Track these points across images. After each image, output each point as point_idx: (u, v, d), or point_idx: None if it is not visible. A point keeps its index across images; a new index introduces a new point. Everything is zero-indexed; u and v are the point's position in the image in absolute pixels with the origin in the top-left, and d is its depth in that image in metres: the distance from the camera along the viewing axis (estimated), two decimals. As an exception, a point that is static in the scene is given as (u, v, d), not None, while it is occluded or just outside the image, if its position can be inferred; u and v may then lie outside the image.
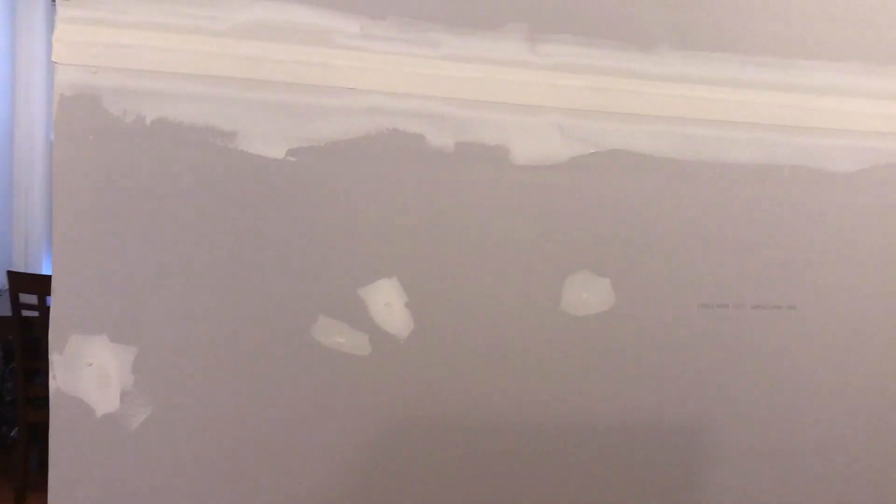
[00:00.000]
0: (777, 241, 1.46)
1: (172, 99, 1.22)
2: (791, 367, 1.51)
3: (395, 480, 1.39)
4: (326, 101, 1.27)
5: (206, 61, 1.22)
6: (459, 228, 1.34)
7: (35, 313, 2.68)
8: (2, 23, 3.30)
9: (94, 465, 1.27)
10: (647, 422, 1.47)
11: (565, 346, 1.41)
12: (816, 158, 1.45)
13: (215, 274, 1.27)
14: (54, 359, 1.24)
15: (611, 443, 1.46)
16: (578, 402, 1.43)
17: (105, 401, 1.26)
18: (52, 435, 1.26)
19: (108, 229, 1.23)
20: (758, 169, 1.43)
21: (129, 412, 1.27)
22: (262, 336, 1.30)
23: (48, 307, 2.59)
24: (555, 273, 1.39)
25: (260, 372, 1.31)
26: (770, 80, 1.41)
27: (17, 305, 2.65)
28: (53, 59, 1.18)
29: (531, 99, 1.33)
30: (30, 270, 3.50)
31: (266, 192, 1.27)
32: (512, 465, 1.43)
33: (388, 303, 1.33)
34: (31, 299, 2.67)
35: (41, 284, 2.62)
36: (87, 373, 1.25)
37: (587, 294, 1.40)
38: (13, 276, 2.65)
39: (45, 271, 3.52)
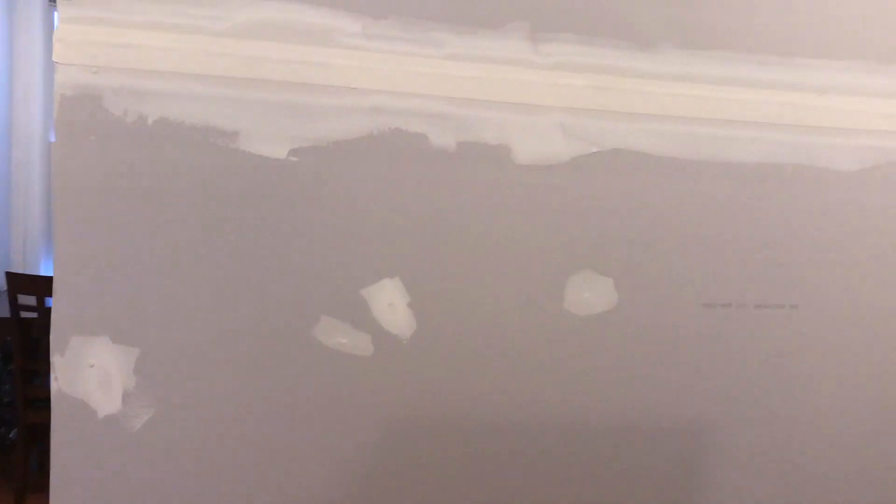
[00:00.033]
0: (779, 240, 1.46)
1: (174, 99, 1.22)
2: (794, 366, 1.51)
3: (398, 481, 1.39)
4: (328, 101, 1.27)
5: (207, 61, 1.22)
6: (462, 228, 1.34)
7: (34, 314, 2.68)
8: (-1, 23, 3.30)
9: (95, 466, 1.27)
10: (650, 421, 1.46)
11: (568, 345, 1.41)
12: (819, 157, 1.45)
13: (217, 274, 1.26)
14: (56, 360, 1.23)
15: (614, 443, 1.46)
16: (581, 403, 1.43)
17: (107, 402, 1.26)
18: (53, 437, 1.25)
19: (109, 230, 1.22)
20: (760, 168, 1.43)
21: (131, 413, 1.27)
22: (264, 337, 1.29)
23: (47, 308, 2.60)
24: (557, 273, 1.39)
25: (262, 373, 1.30)
26: (772, 79, 1.41)
27: (15, 306, 2.64)
28: (55, 58, 1.17)
29: (533, 98, 1.33)
30: (28, 271, 3.49)
31: (268, 192, 1.26)
32: (515, 465, 1.43)
33: (390, 303, 1.33)
34: (30, 300, 2.66)
35: (40, 285, 2.61)
36: (88, 374, 1.25)
37: (590, 294, 1.40)
38: (12, 277, 2.65)
39: (44, 272, 3.52)
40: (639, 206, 1.40)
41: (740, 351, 1.48)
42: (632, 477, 1.48)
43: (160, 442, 1.28)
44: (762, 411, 1.51)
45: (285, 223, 1.28)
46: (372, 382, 1.35)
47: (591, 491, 1.47)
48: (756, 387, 1.50)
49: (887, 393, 1.56)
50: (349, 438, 1.36)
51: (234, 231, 1.26)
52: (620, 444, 1.46)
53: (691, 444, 1.49)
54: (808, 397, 1.52)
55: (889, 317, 1.53)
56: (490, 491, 1.43)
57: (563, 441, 1.44)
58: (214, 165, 1.24)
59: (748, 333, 1.47)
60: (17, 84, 3.39)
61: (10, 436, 3.00)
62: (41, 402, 2.68)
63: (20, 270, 3.46)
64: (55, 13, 3.37)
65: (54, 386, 1.24)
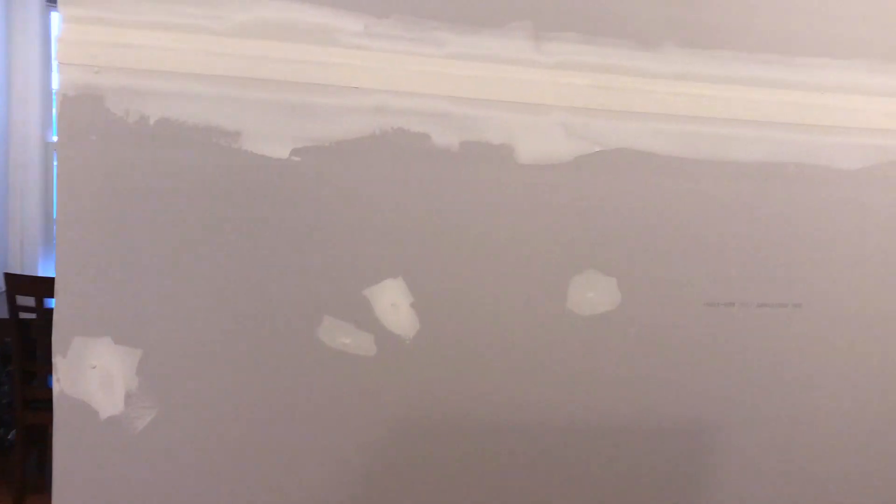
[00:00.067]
0: (782, 239, 1.46)
1: (176, 99, 1.21)
2: (797, 364, 1.51)
3: (402, 481, 1.39)
4: (330, 101, 1.26)
5: (209, 61, 1.22)
6: (465, 228, 1.34)
7: (32, 315, 2.67)
8: (-4, 23, 3.29)
9: (98, 468, 1.26)
10: (653, 421, 1.46)
11: (571, 345, 1.40)
12: (821, 156, 1.45)
13: (220, 275, 1.26)
14: (58, 361, 1.23)
15: (618, 442, 1.46)
16: (585, 402, 1.43)
17: (109, 403, 1.25)
18: (55, 438, 1.25)
19: (111, 230, 1.22)
20: (762, 166, 1.43)
21: (133, 415, 1.26)
22: (267, 337, 1.29)
23: (46, 309, 2.59)
24: (560, 272, 1.38)
25: (265, 374, 1.30)
26: (774, 78, 1.41)
27: (14, 308, 2.63)
28: (58, 59, 1.17)
29: (536, 97, 1.33)
30: (26, 272, 3.48)
31: (270, 192, 1.26)
32: (518, 464, 1.43)
33: (393, 303, 1.33)
34: (29, 301, 2.65)
35: (39, 286, 2.60)
36: (90, 375, 1.24)
37: (593, 293, 1.40)
38: (10, 279, 2.64)
39: (42, 273, 3.50)
40: (641, 205, 1.39)
41: (743, 350, 1.48)
42: (635, 477, 1.48)
43: (163, 443, 1.28)
44: (765, 410, 1.51)
45: (287, 223, 1.28)
46: (375, 383, 1.34)
47: (594, 490, 1.46)
48: (759, 386, 1.50)
49: (888, 392, 1.56)
50: (353, 439, 1.35)
51: (236, 231, 1.26)
52: (624, 444, 1.46)
53: (694, 443, 1.49)
54: (811, 397, 1.52)
55: (891, 314, 1.53)
56: (493, 490, 1.43)
57: (566, 441, 1.44)
58: (216, 165, 1.24)
59: (751, 332, 1.47)
60: (15, 85, 3.38)
61: (9, 437, 2.99)
62: (39, 403, 2.67)
63: (18, 271, 3.45)
64: (52, 14, 3.37)
65: (56, 387, 1.24)
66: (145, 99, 1.20)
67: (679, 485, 1.50)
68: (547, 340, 1.39)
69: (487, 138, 1.32)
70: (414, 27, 1.28)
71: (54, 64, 3.32)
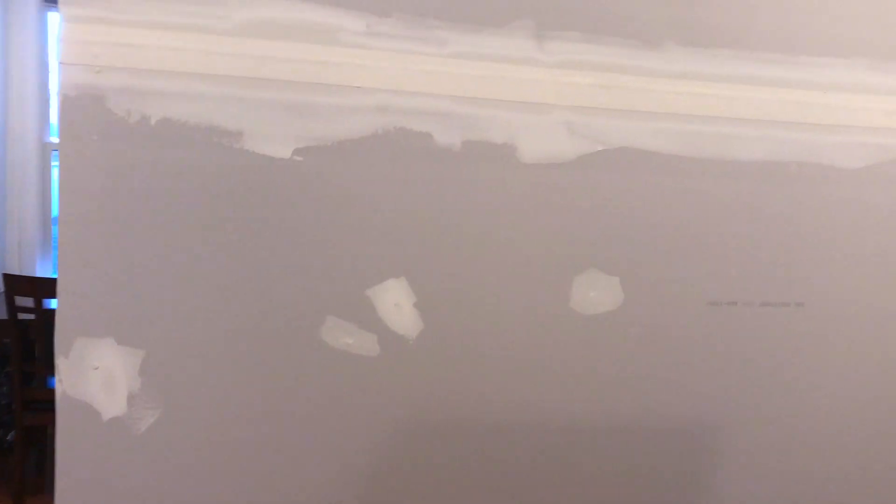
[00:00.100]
0: (784, 238, 1.46)
1: (177, 98, 1.21)
2: (799, 364, 1.51)
3: (405, 481, 1.38)
4: (333, 100, 1.26)
5: (210, 60, 1.21)
6: (467, 227, 1.33)
7: (31, 316, 2.66)
8: (-6, 23, 3.27)
9: (101, 469, 1.26)
10: (657, 420, 1.46)
11: (574, 345, 1.40)
12: (823, 155, 1.45)
13: (223, 275, 1.26)
14: (60, 362, 1.22)
15: (621, 441, 1.46)
16: (587, 401, 1.43)
17: (112, 404, 1.25)
18: (58, 439, 1.24)
19: (113, 230, 1.21)
20: (764, 165, 1.43)
21: (136, 416, 1.26)
22: (270, 338, 1.29)
23: (44, 310, 2.58)
24: (563, 272, 1.38)
25: (268, 374, 1.30)
26: (776, 77, 1.41)
27: (13, 308, 2.62)
28: (59, 59, 1.16)
29: (538, 97, 1.33)
30: (24, 273, 3.47)
31: (272, 192, 1.26)
32: (521, 464, 1.43)
33: (396, 303, 1.32)
34: (27, 302, 2.64)
35: (37, 287, 2.59)
36: (93, 376, 1.24)
37: (596, 293, 1.40)
38: (9, 279, 2.63)
39: (40, 274, 3.49)
40: (644, 204, 1.39)
41: (745, 349, 1.48)
42: (638, 476, 1.48)
43: (166, 444, 1.27)
44: (767, 410, 1.51)
45: (290, 223, 1.27)
46: (378, 383, 1.34)
47: (597, 489, 1.46)
48: (761, 386, 1.50)
49: (890, 391, 1.56)
50: (356, 439, 1.35)
51: (238, 231, 1.25)
52: (627, 443, 1.46)
53: (696, 443, 1.49)
54: (812, 396, 1.52)
55: (894, 313, 1.53)
56: (496, 490, 1.42)
57: (569, 440, 1.44)
58: (218, 165, 1.23)
59: (753, 332, 1.47)
60: (12, 85, 3.37)
61: (8, 438, 2.98)
62: (38, 404, 2.66)
63: (16, 272, 3.44)
64: (48, 14, 3.35)
65: (58, 388, 1.23)
66: (147, 99, 1.20)
67: (681, 484, 1.50)
68: (550, 340, 1.39)
69: (490, 137, 1.32)
70: (416, 26, 1.28)
71: (52, 64, 3.31)
